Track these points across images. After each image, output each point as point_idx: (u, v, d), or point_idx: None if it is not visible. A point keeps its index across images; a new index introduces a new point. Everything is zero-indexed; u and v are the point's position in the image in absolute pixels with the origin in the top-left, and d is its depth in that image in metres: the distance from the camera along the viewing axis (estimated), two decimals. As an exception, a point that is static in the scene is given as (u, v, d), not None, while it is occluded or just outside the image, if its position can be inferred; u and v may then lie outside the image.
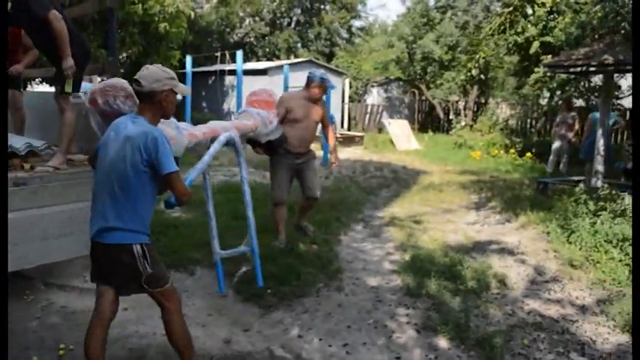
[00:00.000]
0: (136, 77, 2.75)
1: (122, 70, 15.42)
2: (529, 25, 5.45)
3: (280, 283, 4.28)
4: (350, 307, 4.04)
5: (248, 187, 4.13)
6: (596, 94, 14.21)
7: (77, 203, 3.55)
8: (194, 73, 15.73)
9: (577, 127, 11.45)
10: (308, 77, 5.11)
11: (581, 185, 7.35)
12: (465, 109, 18.59)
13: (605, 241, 5.02)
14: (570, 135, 11.37)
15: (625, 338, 3.81)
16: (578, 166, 11.35)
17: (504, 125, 17.60)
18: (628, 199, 5.26)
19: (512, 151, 13.96)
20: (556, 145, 11.47)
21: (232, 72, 15.14)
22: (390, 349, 3.49)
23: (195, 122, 15.56)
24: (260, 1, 23.74)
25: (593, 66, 7.50)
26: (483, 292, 4.40)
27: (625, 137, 13.86)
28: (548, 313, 4.14)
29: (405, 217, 6.98)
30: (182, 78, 14.86)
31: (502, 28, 5.06)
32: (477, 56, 5.42)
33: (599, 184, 8.14)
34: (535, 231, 6.35)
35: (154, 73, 2.74)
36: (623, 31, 9.17)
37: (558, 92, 12.61)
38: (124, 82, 3.43)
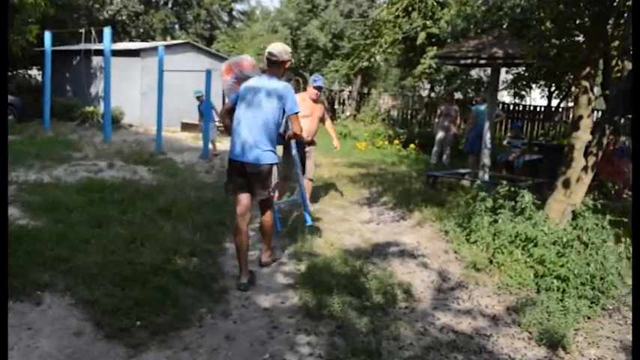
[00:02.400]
0: (269, 50, 4.13)
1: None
2: (438, 9, 5.20)
3: (153, 313, 3.46)
4: (240, 339, 3.33)
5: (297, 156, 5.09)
6: (473, 87, 14.70)
7: None
8: (56, 52, 13.90)
9: (459, 119, 11.65)
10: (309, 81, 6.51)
11: (477, 181, 7.26)
12: (349, 98, 18.46)
13: (508, 242, 4.78)
14: (454, 127, 11.51)
15: (542, 352, 3.52)
16: (459, 158, 11.57)
17: (386, 116, 17.75)
18: (528, 197, 5.08)
19: (396, 142, 13.96)
20: (439, 136, 11.55)
21: (101, 52, 13.56)
22: (292, 392, 2.86)
23: (59, 108, 13.76)
24: (132, -24, 21.80)
25: (483, 58, 7.38)
26: (391, 308, 3.92)
27: (505, 130, 14.48)
28: (461, 328, 3.75)
29: (297, 216, 6.38)
30: (40, 56, 12.98)
31: (410, 9, 4.61)
32: (382, 40, 4.93)
33: (487, 177, 8.16)
34: (432, 229, 6.06)
35: (282, 48, 4.17)
36: (504, 25, 9.32)
37: (439, 85, 12.75)
38: (249, 57, 4.88)
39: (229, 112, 4.23)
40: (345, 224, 6.18)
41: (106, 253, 4.33)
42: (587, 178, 5.39)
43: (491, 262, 4.81)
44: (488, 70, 14.85)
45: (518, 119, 14.59)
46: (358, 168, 10.22)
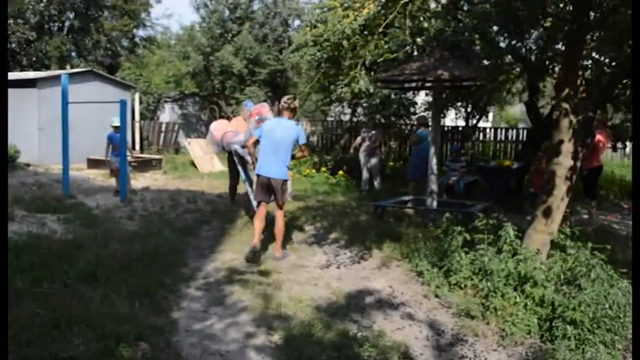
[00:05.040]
0: (285, 100, 5.82)
1: None
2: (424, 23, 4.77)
3: None
4: None
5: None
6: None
7: None
8: None
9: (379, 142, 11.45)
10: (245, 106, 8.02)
11: (446, 214, 6.79)
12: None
13: (504, 284, 4.26)
14: (377, 152, 11.26)
15: None
16: (388, 182, 11.27)
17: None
18: (512, 231, 4.61)
19: (323, 169, 13.44)
20: (363, 162, 11.24)
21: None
22: None
23: None
24: (23, 1, 19.78)
25: (429, 81, 7.01)
26: (398, 384, 3.23)
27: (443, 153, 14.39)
28: (484, 402, 3.14)
29: (245, 266, 5.54)
30: None
31: (398, 20, 4.02)
32: (364, 61, 4.31)
33: (435, 204, 7.77)
34: (401, 270, 5.47)
35: (294, 100, 5.89)
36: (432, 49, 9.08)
37: (373, 110, 12.43)
38: (266, 104, 7.32)
39: (255, 144, 5.90)
40: (303, 272, 5.43)
41: (20, 346, 3.27)
42: (563, 204, 5.05)
43: (484, 306, 4.27)
44: (409, 94, 14.91)
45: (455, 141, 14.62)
46: (294, 200, 9.49)
